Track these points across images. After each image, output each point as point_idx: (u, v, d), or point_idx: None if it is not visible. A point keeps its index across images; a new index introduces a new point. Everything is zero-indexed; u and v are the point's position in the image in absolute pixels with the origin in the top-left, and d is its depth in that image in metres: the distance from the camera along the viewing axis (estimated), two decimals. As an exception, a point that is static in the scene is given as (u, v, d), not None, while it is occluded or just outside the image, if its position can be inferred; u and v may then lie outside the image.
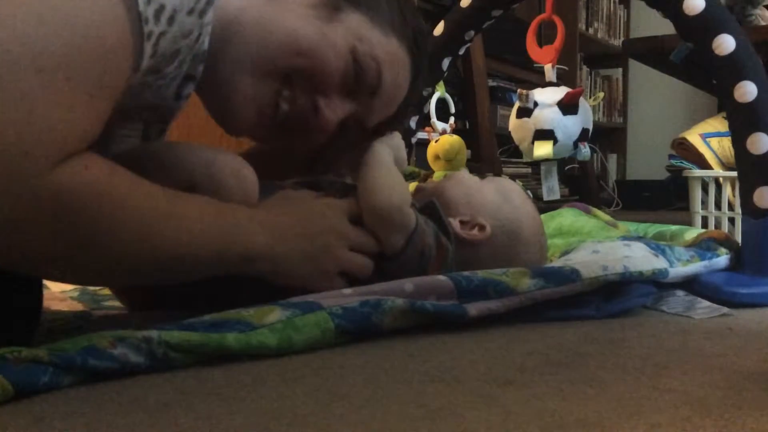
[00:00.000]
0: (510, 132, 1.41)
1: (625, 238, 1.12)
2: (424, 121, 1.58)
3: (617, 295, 0.87)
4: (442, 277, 0.79)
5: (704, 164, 1.82)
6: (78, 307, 0.87)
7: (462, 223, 0.90)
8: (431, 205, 0.89)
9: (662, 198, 3.29)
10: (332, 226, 0.79)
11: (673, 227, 1.24)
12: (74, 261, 0.61)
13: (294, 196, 0.81)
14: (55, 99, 0.56)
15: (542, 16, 1.44)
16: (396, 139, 0.92)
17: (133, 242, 0.62)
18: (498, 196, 0.94)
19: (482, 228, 0.90)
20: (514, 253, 0.91)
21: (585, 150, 1.35)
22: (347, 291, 0.76)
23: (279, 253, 0.74)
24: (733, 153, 1.07)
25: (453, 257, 0.86)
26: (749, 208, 1.02)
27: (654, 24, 1.89)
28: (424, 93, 1.55)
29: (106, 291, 0.95)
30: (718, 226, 1.43)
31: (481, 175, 1.04)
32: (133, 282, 0.75)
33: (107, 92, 0.61)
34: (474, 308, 0.77)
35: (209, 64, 0.75)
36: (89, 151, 0.60)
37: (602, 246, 0.99)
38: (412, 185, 1.16)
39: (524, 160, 1.46)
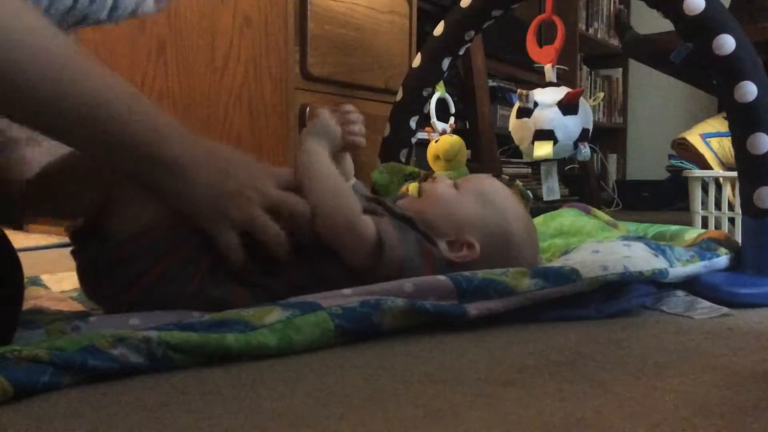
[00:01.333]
0: (510, 132, 1.41)
1: (625, 238, 1.12)
2: (424, 121, 1.58)
3: (617, 295, 0.87)
4: (442, 277, 0.79)
5: (704, 164, 1.82)
6: (77, 307, 0.87)
7: (449, 243, 0.88)
8: (409, 221, 0.86)
9: (662, 198, 3.28)
10: (257, 180, 0.75)
11: (673, 227, 1.24)
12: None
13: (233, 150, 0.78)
14: None
15: (542, 16, 1.44)
16: (330, 127, 0.87)
17: (37, 75, 0.62)
18: (479, 205, 0.91)
19: (471, 246, 0.88)
20: (508, 257, 0.89)
21: (585, 150, 1.35)
22: (347, 291, 0.76)
23: (184, 171, 0.71)
24: (733, 153, 1.07)
25: (442, 264, 0.85)
26: (749, 209, 1.02)
27: (654, 24, 1.89)
28: (424, 93, 1.55)
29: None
30: (718, 226, 1.43)
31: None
32: (35, 123, 0.69)
33: None
34: (474, 308, 0.77)
35: None
36: None
37: (602, 246, 0.99)
38: (413, 186, 1.15)
39: (524, 160, 1.46)
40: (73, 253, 0.79)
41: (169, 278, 0.75)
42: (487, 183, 0.96)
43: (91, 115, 0.66)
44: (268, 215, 0.75)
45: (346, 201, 0.81)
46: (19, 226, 0.77)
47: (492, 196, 0.93)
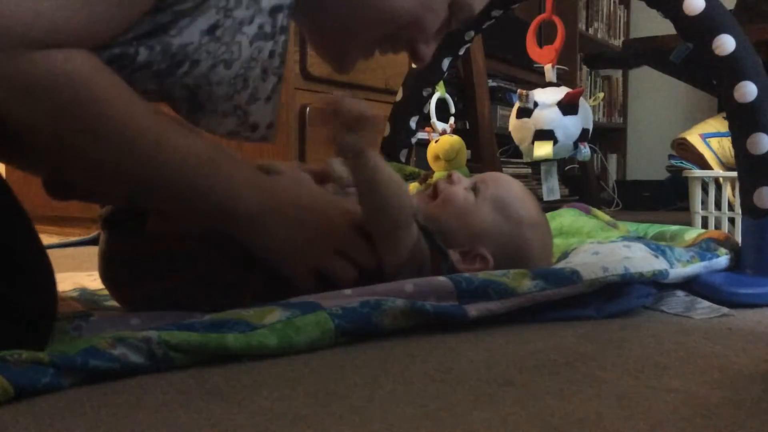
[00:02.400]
0: (510, 132, 1.41)
1: (625, 238, 1.12)
2: (424, 122, 1.58)
3: (617, 295, 0.87)
4: (442, 278, 0.79)
5: (704, 164, 1.82)
6: (77, 307, 0.87)
7: (462, 254, 0.86)
8: (426, 231, 0.85)
9: (662, 198, 3.29)
10: (333, 226, 0.78)
11: (673, 227, 1.24)
12: (61, 146, 0.64)
13: (307, 185, 0.80)
14: None
15: (542, 16, 1.44)
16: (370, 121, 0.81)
17: (110, 145, 0.65)
18: (497, 215, 0.89)
19: (483, 259, 0.86)
20: (521, 265, 0.86)
21: (585, 150, 1.35)
22: (347, 291, 0.76)
23: (265, 223, 0.73)
24: (733, 153, 1.07)
25: (448, 268, 0.85)
26: (749, 208, 1.02)
27: (654, 24, 1.89)
28: (424, 93, 1.55)
29: (107, 291, 0.95)
30: (718, 226, 1.43)
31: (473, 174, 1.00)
32: (117, 191, 0.74)
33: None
34: (474, 309, 0.77)
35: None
36: (85, 50, 0.63)
37: (602, 247, 0.99)
38: (412, 186, 1.15)
39: (524, 160, 1.46)
40: (105, 229, 0.81)
41: (195, 289, 0.78)
42: (506, 187, 0.93)
43: (172, 177, 0.69)
44: (340, 258, 0.79)
45: (408, 197, 0.82)
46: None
47: (511, 205, 0.90)
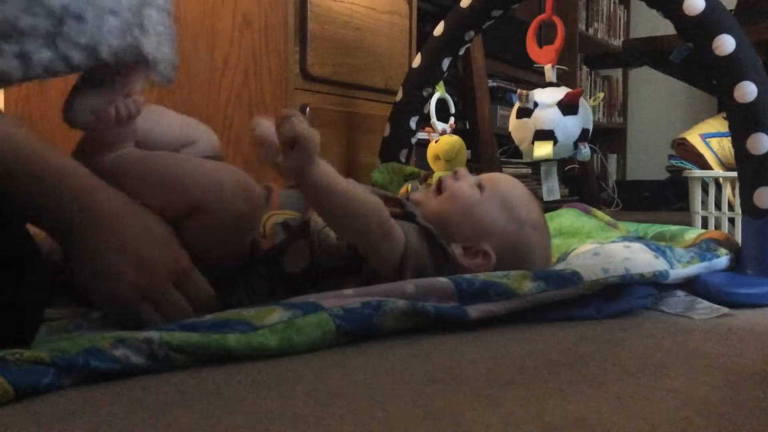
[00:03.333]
0: (510, 132, 1.41)
1: (625, 238, 1.12)
2: (424, 122, 1.58)
3: (618, 296, 0.87)
4: (443, 279, 0.79)
5: (704, 164, 1.82)
6: (77, 307, 0.87)
7: (465, 249, 0.87)
8: (430, 233, 0.85)
9: (662, 198, 3.28)
10: (172, 254, 0.72)
11: (673, 227, 1.24)
12: None
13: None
14: None
15: (542, 16, 1.44)
16: (315, 138, 0.76)
17: None
18: (501, 213, 0.89)
19: (486, 255, 0.86)
20: (521, 267, 0.87)
21: (585, 150, 1.35)
22: (348, 292, 0.76)
23: (89, 228, 0.67)
24: (733, 153, 1.07)
25: (451, 269, 0.85)
26: (749, 209, 1.02)
27: (654, 24, 1.89)
28: (424, 93, 1.55)
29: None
30: (718, 226, 1.43)
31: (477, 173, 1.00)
32: None
33: None
34: (475, 310, 0.77)
35: None
36: None
37: (603, 248, 0.99)
38: (413, 185, 1.15)
39: (524, 160, 1.46)
40: None
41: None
42: (511, 187, 0.93)
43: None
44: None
45: (376, 209, 0.79)
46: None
47: (515, 205, 0.90)
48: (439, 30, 1.52)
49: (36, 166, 0.65)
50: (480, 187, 0.92)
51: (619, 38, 4.29)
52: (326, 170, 0.76)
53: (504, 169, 2.55)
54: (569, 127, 1.31)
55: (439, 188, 0.92)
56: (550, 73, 1.39)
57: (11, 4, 0.64)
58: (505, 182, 0.95)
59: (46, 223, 0.67)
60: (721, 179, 1.44)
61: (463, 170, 0.94)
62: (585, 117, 1.34)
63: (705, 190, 1.47)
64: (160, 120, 0.82)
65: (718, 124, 1.87)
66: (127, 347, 0.60)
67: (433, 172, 1.42)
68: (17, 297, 0.60)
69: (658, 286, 0.92)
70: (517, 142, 1.40)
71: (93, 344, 0.59)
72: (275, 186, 0.94)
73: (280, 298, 0.74)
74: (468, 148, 1.54)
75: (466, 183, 0.92)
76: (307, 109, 1.53)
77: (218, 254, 0.78)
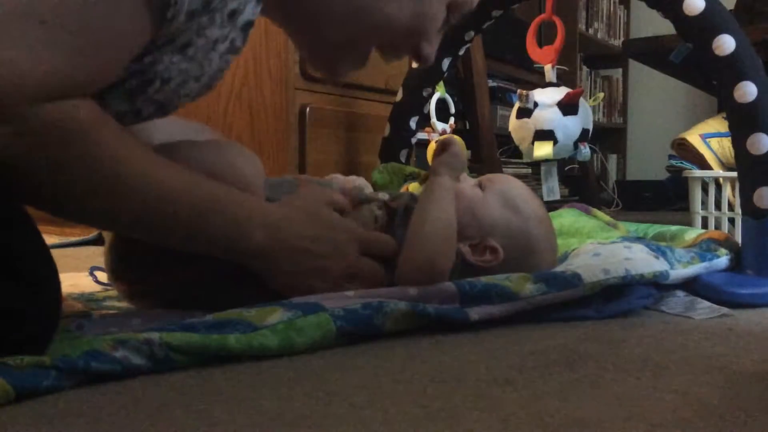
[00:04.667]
0: (510, 132, 1.41)
1: (625, 238, 1.12)
2: (424, 122, 1.58)
3: (618, 296, 0.87)
4: (446, 282, 0.79)
5: (704, 165, 1.82)
6: (78, 307, 0.87)
7: (472, 246, 0.87)
8: None
9: (662, 198, 3.28)
10: (343, 226, 0.79)
11: (673, 228, 1.24)
12: (63, 194, 0.64)
13: (314, 209, 0.80)
14: (15, 37, 0.58)
15: (542, 16, 1.44)
16: (462, 160, 0.92)
17: (107, 190, 0.65)
18: (505, 209, 0.89)
19: (494, 251, 0.87)
20: (526, 265, 0.87)
21: (585, 150, 1.35)
22: (350, 293, 0.76)
23: (267, 258, 0.74)
24: (733, 153, 1.07)
25: (458, 267, 0.85)
26: (749, 209, 1.02)
27: (654, 24, 1.89)
28: (424, 93, 1.55)
29: (109, 292, 0.95)
30: (718, 226, 1.43)
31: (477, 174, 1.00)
32: (116, 227, 0.75)
33: (106, 48, 0.63)
34: (476, 313, 0.77)
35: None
36: (89, 100, 0.64)
37: (603, 248, 0.99)
38: (413, 186, 1.15)
39: (524, 160, 1.47)
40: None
41: (204, 284, 0.78)
42: (512, 185, 0.94)
43: (176, 225, 0.70)
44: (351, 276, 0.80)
45: (451, 249, 0.84)
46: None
47: (517, 200, 0.91)
48: (439, 30, 1.52)
49: (226, 204, 0.72)
50: (480, 186, 0.92)
51: (619, 38, 4.29)
52: (452, 191, 0.88)
53: (504, 169, 2.55)
54: (569, 127, 1.32)
55: None
56: (550, 73, 1.39)
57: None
58: (504, 180, 0.96)
59: (233, 254, 0.74)
60: (721, 179, 1.44)
61: (462, 175, 0.94)
62: (585, 117, 1.34)
63: (705, 190, 1.47)
64: (165, 125, 0.83)
65: (718, 124, 1.87)
66: (128, 348, 0.60)
67: (433, 172, 1.42)
68: (32, 304, 0.59)
69: (658, 286, 0.92)
70: (517, 142, 1.40)
71: (93, 346, 0.59)
72: (342, 180, 0.97)
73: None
74: (468, 148, 1.55)
75: (466, 184, 0.92)
76: (307, 109, 1.51)
77: None
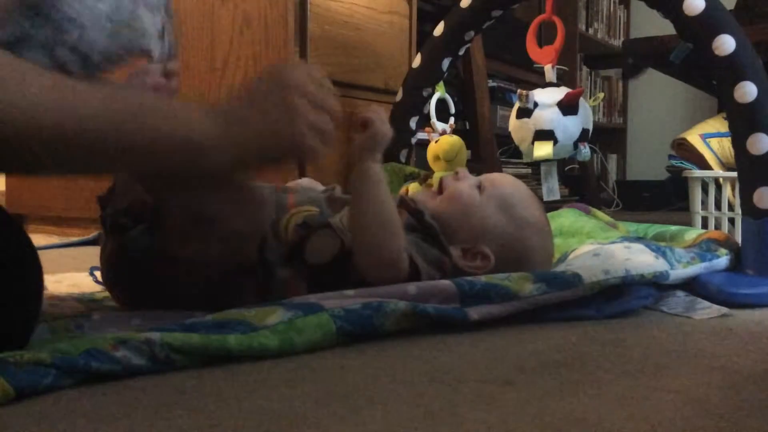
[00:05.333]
0: (510, 132, 1.41)
1: (625, 238, 1.12)
2: (424, 122, 1.58)
3: (618, 296, 0.87)
4: (445, 281, 0.80)
5: (704, 165, 1.82)
6: (78, 307, 0.87)
7: (464, 251, 0.86)
8: (433, 233, 0.85)
9: (662, 198, 3.28)
10: (292, 82, 0.72)
11: (673, 228, 1.24)
12: None
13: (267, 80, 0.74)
14: None
15: (542, 16, 1.44)
16: (387, 135, 0.83)
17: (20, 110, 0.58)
18: (501, 214, 0.89)
19: (485, 257, 0.86)
20: (522, 268, 0.87)
21: (585, 150, 1.35)
22: (350, 293, 0.76)
23: (235, 134, 0.68)
24: (733, 153, 1.07)
25: (451, 271, 0.85)
26: (749, 209, 1.02)
27: (654, 24, 1.89)
28: (424, 93, 1.55)
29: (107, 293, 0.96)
30: (718, 226, 1.43)
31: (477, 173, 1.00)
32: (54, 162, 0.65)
33: None
34: (476, 312, 0.77)
35: None
36: None
37: (603, 248, 0.99)
38: (413, 186, 1.15)
39: (524, 160, 1.46)
40: (108, 233, 0.81)
41: (200, 293, 0.78)
42: (511, 188, 0.93)
43: (124, 130, 0.63)
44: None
45: (394, 236, 0.79)
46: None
47: (515, 205, 0.90)
48: (439, 30, 1.53)
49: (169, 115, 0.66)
50: (480, 187, 0.91)
51: (619, 38, 4.29)
52: (380, 174, 0.81)
53: (504, 169, 2.55)
54: (569, 127, 1.31)
55: (440, 188, 0.92)
56: (550, 73, 1.39)
57: (18, 13, 0.64)
58: (505, 183, 0.95)
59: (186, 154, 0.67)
60: (721, 179, 1.44)
61: (463, 171, 0.94)
62: (585, 117, 1.34)
63: (705, 190, 1.47)
64: None
65: (718, 124, 1.87)
66: (128, 348, 0.60)
67: (433, 173, 1.42)
68: (11, 298, 0.59)
69: (658, 286, 0.92)
70: (517, 142, 1.40)
71: (94, 345, 0.59)
72: (291, 187, 0.94)
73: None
74: (468, 148, 1.55)
75: (466, 184, 0.91)
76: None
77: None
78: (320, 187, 0.98)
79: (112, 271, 0.82)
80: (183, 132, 0.67)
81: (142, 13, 0.72)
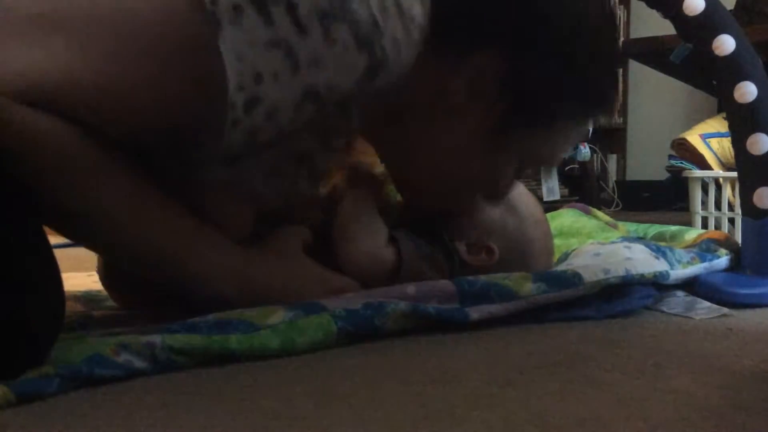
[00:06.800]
0: (510, 132, 1.40)
1: (625, 238, 1.12)
2: (424, 122, 1.58)
3: (618, 296, 0.87)
4: (444, 281, 0.80)
5: (704, 165, 1.82)
6: (78, 308, 0.87)
7: (468, 246, 0.87)
8: (437, 233, 0.86)
9: (662, 198, 3.28)
10: (314, 276, 0.78)
11: (673, 228, 1.24)
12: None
13: (290, 255, 0.79)
14: (20, 34, 0.57)
15: (542, 16, 1.44)
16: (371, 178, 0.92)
17: (79, 214, 0.64)
18: (502, 209, 0.90)
19: (490, 251, 0.87)
20: (523, 264, 0.88)
21: (585, 150, 1.36)
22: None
23: (246, 302, 0.72)
24: (733, 153, 1.07)
25: (455, 267, 0.85)
26: (749, 209, 1.02)
27: (654, 24, 1.89)
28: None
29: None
30: (718, 226, 1.43)
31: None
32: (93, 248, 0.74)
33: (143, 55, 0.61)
34: (476, 312, 0.77)
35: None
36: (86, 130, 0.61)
37: (603, 248, 0.99)
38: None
39: (524, 160, 1.46)
40: None
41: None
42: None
43: (150, 257, 0.69)
44: None
45: (368, 230, 0.82)
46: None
47: (515, 202, 0.91)
48: (439, 30, 1.52)
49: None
50: None
51: (619, 38, 4.29)
52: (363, 198, 0.86)
53: (504, 169, 2.54)
54: (569, 127, 1.31)
55: None
56: (550, 73, 1.38)
57: None
58: None
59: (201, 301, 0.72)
60: (721, 179, 1.44)
61: None
62: (585, 117, 1.33)
63: (705, 191, 1.47)
64: None
65: (718, 124, 1.87)
66: (130, 352, 0.60)
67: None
68: (33, 309, 0.57)
69: (658, 286, 0.93)
70: (517, 142, 1.39)
71: (96, 351, 0.59)
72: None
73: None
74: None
75: None
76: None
77: None
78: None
79: (110, 275, 0.82)
80: (200, 281, 0.71)
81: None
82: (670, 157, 1.98)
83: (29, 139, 0.59)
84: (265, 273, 0.76)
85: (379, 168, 0.97)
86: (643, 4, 1.17)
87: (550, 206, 1.44)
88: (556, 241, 1.17)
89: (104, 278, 0.84)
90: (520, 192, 0.94)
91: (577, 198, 2.85)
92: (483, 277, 0.81)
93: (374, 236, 0.82)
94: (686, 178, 1.52)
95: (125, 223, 0.66)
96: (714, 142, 1.83)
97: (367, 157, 0.90)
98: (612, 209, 3.45)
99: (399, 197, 0.91)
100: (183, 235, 0.70)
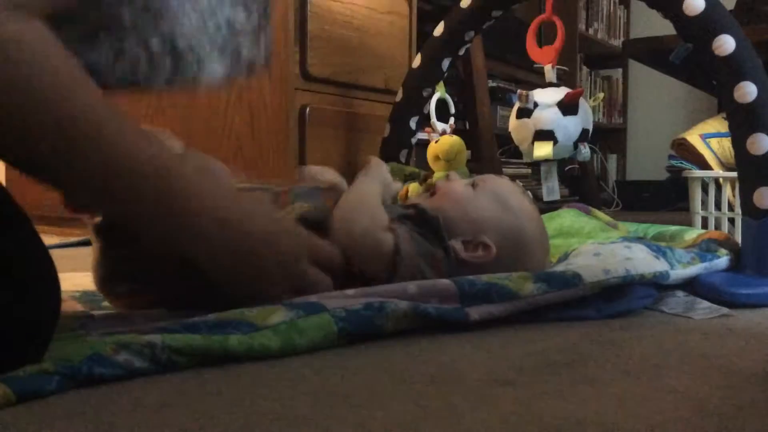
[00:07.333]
0: (510, 132, 1.41)
1: (625, 238, 1.12)
2: (424, 122, 1.58)
3: (618, 296, 0.87)
4: (445, 281, 0.79)
5: (704, 165, 1.82)
6: (78, 308, 0.87)
7: (465, 243, 0.87)
8: (434, 223, 0.86)
9: (662, 198, 3.28)
10: (300, 230, 0.77)
11: (673, 228, 1.24)
12: None
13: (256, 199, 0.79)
14: None
15: (542, 16, 1.44)
16: (386, 174, 0.95)
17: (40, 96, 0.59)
18: (496, 206, 0.90)
19: (486, 247, 0.87)
20: (519, 262, 0.88)
21: (585, 150, 1.35)
22: (350, 292, 0.76)
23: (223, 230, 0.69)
24: (733, 153, 1.07)
25: (453, 265, 0.85)
26: (749, 209, 1.02)
27: (654, 24, 1.89)
28: (424, 93, 1.55)
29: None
30: (718, 226, 1.43)
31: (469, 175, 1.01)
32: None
33: None
34: (476, 312, 0.77)
35: None
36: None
37: (603, 248, 0.99)
38: (413, 186, 1.15)
39: (524, 160, 1.46)
40: (97, 243, 0.81)
41: (193, 298, 0.77)
42: (504, 184, 0.95)
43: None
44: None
45: (369, 212, 0.84)
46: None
47: (508, 198, 0.92)
48: (439, 30, 1.53)
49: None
50: (473, 185, 0.94)
51: (619, 38, 4.29)
52: (367, 182, 0.90)
53: (504, 169, 2.55)
54: (569, 127, 1.32)
55: (433, 191, 0.94)
56: (550, 73, 1.39)
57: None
58: (497, 180, 0.97)
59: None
60: (721, 179, 1.44)
61: (454, 174, 0.96)
62: (585, 117, 1.34)
63: (705, 190, 1.47)
64: None
65: (718, 124, 1.87)
66: (130, 352, 0.60)
67: (433, 173, 1.42)
68: (27, 311, 0.57)
69: (658, 286, 0.93)
70: (517, 142, 1.40)
71: (96, 350, 0.58)
72: (285, 183, 0.94)
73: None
74: (468, 148, 1.55)
75: (458, 182, 0.94)
76: (307, 109, 1.50)
77: None
78: (330, 174, 0.99)
79: (103, 276, 0.82)
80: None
81: (239, 13, 0.72)
82: (670, 157, 1.98)
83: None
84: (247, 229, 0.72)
85: (410, 168, 0.98)
86: (643, 4, 1.17)
87: (550, 206, 1.43)
88: (556, 241, 1.17)
89: (100, 285, 0.83)
90: (511, 189, 0.95)
91: (577, 198, 2.85)
92: (484, 278, 0.81)
93: (374, 219, 0.83)
94: (686, 178, 1.52)
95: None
96: (714, 142, 1.83)
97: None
98: (612, 209, 3.45)
99: (408, 199, 0.92)
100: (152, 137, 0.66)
